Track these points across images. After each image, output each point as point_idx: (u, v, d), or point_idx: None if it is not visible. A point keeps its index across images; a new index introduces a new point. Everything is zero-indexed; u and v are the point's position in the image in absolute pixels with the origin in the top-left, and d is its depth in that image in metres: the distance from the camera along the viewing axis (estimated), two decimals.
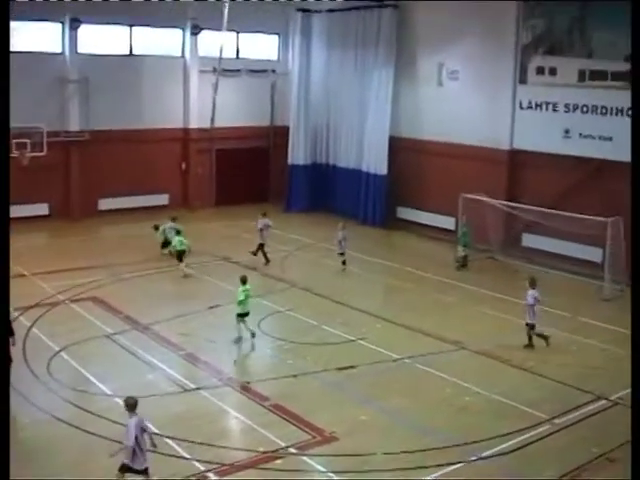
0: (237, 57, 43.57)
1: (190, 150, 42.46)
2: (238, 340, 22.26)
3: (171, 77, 41.64)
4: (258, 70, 43.99)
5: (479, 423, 17.48)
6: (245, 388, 19.13)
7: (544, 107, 32.61)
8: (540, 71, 32.73)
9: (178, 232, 30.24)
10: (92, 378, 19.46)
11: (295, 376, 19.86)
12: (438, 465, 15.45)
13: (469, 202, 32.48)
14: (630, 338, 11.96)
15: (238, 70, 43.18)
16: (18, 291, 26.10)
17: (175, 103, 41.90)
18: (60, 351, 21.11)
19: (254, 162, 44.16)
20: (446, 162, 36.26)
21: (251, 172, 43.93)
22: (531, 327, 22.63)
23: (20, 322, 23.33)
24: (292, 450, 16.01)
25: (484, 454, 15.97)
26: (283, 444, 16.17)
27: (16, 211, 36.84)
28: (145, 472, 13.83)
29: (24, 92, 36.67)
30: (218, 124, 42.28)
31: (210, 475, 15.00)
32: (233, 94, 42.84)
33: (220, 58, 40.72)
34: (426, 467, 15.37)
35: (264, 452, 15.86)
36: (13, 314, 23.70)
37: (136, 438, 13.59)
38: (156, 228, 32.31)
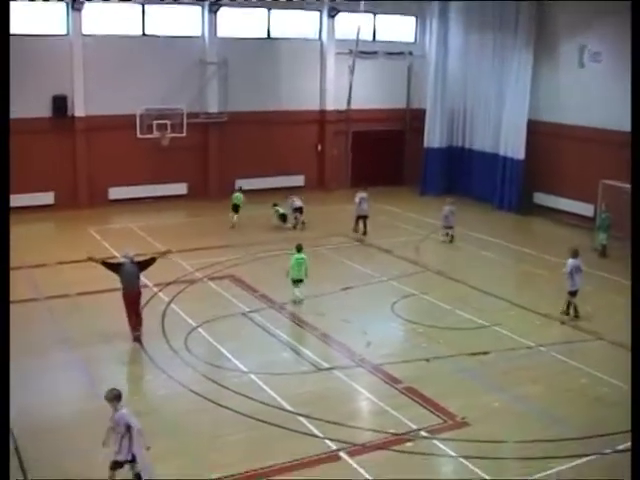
0: (374, 39, 43.55)
1: (326, 132, 42.74)
2: (298, 301, 23.98)
3: (308, 59, 41.97)
4: (395, 52, 43.90)
5: (614, 415, 17.05)
6: (377, 369, 19.18)
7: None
8: None
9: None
10: (228, 354, 19.90)
11: (428, 360, 19.83)
12: (570, 456, 15.19)
13: (609, 189, 31.69)
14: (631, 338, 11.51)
15: (375, 52, 43.17)
16: (158, 268, 26.96)
17: (312, 85, 42.23)
18: (197, 327, 21.68)
19: (390, 144, 44.17)
20: (586, 147, 35.36)
21: (387, 155, 43.96)
22: (571, 294, 23.21)
23: (159, 298, 24.11)
24: (423, 433, 16.01)
25: (619, 447, 15.60)
26: (414, 427, 16.20)
27: (156, 190, 38.29)
28: (133, 460, 13.48)
29: (165, 75, 37.80)
30: (354, 106, 42.43)
31: (342, 454, 15.12)
32: (369, 76, 42.88)
33: (357, 40, 40.77)
34: (559, 457, 15.14)
35: (395, 434, 15.92)
36: (153, 289, 24.52)
37: (127, 427, 13.29)
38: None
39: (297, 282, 24.14)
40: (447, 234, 32.06)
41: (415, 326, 22.42)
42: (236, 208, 33.69)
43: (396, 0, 42.07)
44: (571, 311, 23.44)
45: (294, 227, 33.39)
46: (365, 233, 32.73)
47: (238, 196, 34.09)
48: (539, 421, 16.90)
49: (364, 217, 32.97)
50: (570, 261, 23.30)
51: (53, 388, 18.22)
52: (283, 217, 33.86)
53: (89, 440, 15.04)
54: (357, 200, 33.09)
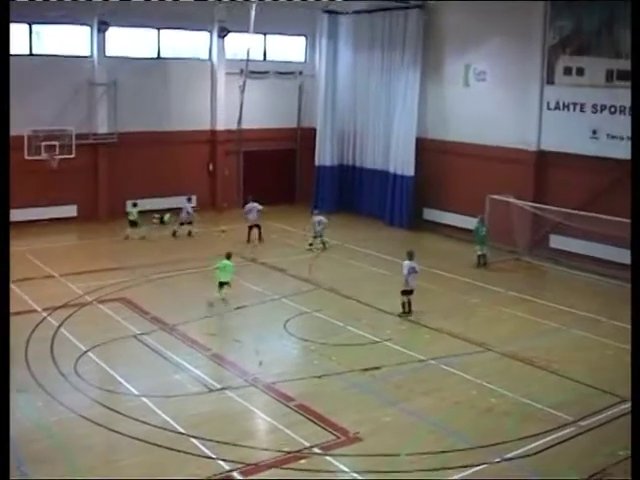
0: (264, 59, 43.69)
1: (217, 152, 42.63)
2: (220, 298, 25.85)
3: (198, 80, 41.81)
4: (285, 72, 44.11)
5: (504, 425, 17.44)
6: (270, 388, 19.16)
7: (571, 108, 32.44)
8: (568, 71, 32.55)
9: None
10: (119, 378, 19.60)
11: (320, 377, 19.90)
12: (462, 466, 15.45)
13: (496, 203, 32.48)
14: (631, 337, 11.90)
15: (265, 72, 43.27)
16: (47, 291, 26.62)
17: (202, 105, 42.09)
18: (88, 351, 21.28)
19: (281, 164, 44.34)
20: (473, 163, 36.19)
21: (278, 174, 44.10)
22: (405, 293, 25.01)
23: (48, 322, 23.63)
24: (316, 450, 16.04)
25: (508, 456, 15.95)
26: (307, 444, 16.22)
27: (45, 213, 37.55)
28: None
29: (53, 95, 37.20)
30: (245, 126, 42.43)
31: (235, 475, 15.06)
32: (260, 96, 42.96)
33: (247, 60, 40.81)
34: (450, 468, 15.37)
35: (288, 452, 15.92)
36: (42, 314, 24.07)
37: None
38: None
39: (224, 285, 25.93)
40: (311, 244, 33.64)
41: (307, 344, 22.50)
42: (134, 224, 34.96)
43: (286, 17, 42.25)
44: (406, 308, 24.99)
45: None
46: (260, 240, 34.46)
47: (132, 212, 35.09)
48: (431, 433, 17.11)
49: (256, 226, 34.69)
50: (406, 263, 25.23)
51: None
52: (134, 223, 35.15)
53: None
54: (245, 210, 35.29)
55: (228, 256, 26.62)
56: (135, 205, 35.63)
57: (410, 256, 25.60)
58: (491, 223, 32.10)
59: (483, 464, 15.64)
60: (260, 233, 34.78)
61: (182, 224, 35.90)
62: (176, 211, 36.92)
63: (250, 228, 34.79)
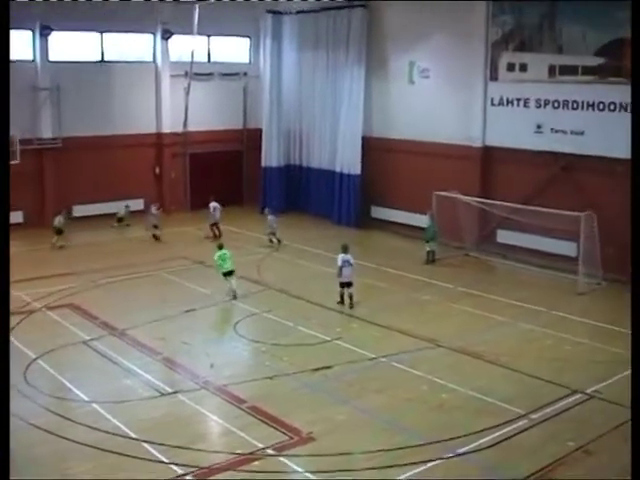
0: (209, 61, 43.58)
1: (164, 155, 42.43)
2: (231, 295, 26.54)
3: (143, 82, 41.58)
4: (230, 73, 44.02)
5: (455, 420, 17.59)
6: (222, 391, 19.12)
7: (515, 103, 32.78)
8: (511, 67, 32.90)
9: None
10: (69, 385, 19.44)
11: (272, 378, 19.90)
12: (414, 463, 15.53)
13: (442, 200, 32.71)
14: (631, 337, 11.99)
15: (210, 74, 43.17)
16: None
17: (147, 108, 41.85)
18: (37, 359, 21.07)
19: (228, 165, 44.22)
20: (419, 160, 36.40)
21: (225, 175, 43.94)
22: (342, 285, 25.94)
23: None
24: (270, 451, 16.05)
25: (460, 451, 16.08)
26: (261, 446, 16.21)
27: None
28: None
29: None
30: (191, 128, 42.31)
31: (188, 478, 15.01)
32: (205, 98, 42.86)
33: (191, 62, 40.73)
34: (403, 465, 15.45)
35: (241, 454, 15.90)
36: None
37: None
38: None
39: (229, 274, 26.60)
40: (271, 240, 34.56)
41: (258, 345, 22.49)
42: (59, 231, 34.40)
43: (229, 18, 42.13)
44: (346, 300, 25.95)
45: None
46: (220, 236, 35.11)
47: (60, 220, 34.74)
48: (384, 431, 17.19)
49: (217, 224, 35.99)
50: (341, 256, 26.00)
51: None
52: (59, 231, 34.62)
53: None
54: (211, 208, 36.33)
55: (220, 247, 27.38)
56: (63, 213, 35.78)
57: (345, 249, 26.31)
58: (438, 220, 32.36)
59: (436, 460, 15.74)
60: (220, 229, 36.16)
61: (156, 227, 36.03)
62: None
63: (212, 225, 36.14)
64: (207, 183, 42.28)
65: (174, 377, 20.30)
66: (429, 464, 15.59)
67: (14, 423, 17.14)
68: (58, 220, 34.51)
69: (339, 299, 26.06)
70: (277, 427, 17.15)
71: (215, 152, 43.21)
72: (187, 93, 41.47)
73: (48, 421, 17.41)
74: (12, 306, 25.08)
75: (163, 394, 18.97)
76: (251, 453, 15.97)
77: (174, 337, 22.94)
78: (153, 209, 36.69)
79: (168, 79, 41.89)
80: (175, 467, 15.39)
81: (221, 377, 19.90)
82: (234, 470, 15.35)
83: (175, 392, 19.03)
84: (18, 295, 26.62)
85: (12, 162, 35.93)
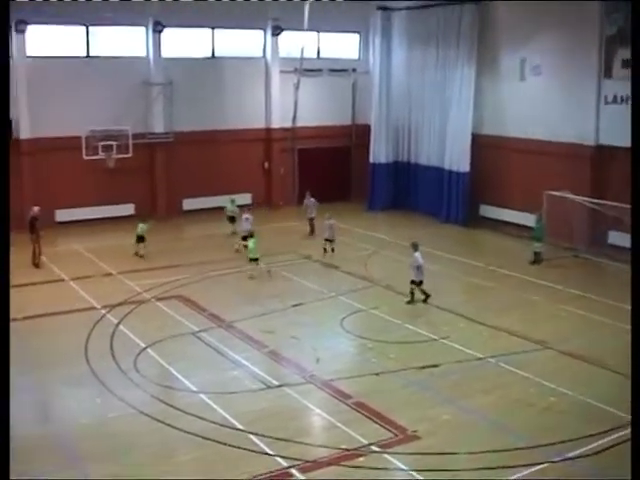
0: (318, 57, 43.78)
1: (272, 150, 42.79)
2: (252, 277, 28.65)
3: (253, 78, 42.01)
4: (339, 69, 44.12)
5: (563, 424, 17.22)
6: (327, 385, 19.15)
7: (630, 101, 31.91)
8: (626, 64, 32.00)
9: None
10: (177, 374, 19.77)
11: (377, 374, 19.85)
12: (522, 465, 15.28)
13: (553, 199, 32.09)
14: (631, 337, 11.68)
15: (319, 70, 43.36)
16: (105, 289, 26.97)
17: (257, 104, 42.27)
18: (146, 348, 21.51)
19: (336, 161, 44.32)
20: (529, 159, 35.82)
21: (333, 171, 44.09)
22: (417, 283, 25.87)
23: (107, 319, 23.89)
24: (374, 448, 15.99)
25: (569, 455, 15.73)
26: (365, 442, 16.18)
27: (103, 212, 38.00)
28: None
29: (110, 96, 37.61)
30: (300, 124, 42.55)
31: (293, 471, 15.08)
32: (314, 94, 43.06)
33: (301, 58, 40.91)
34: (510, 467, 15.21)
35: (346, 449, 15.89)
36: (101, 311, 24.39)
37: None
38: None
39: (255, 260, 28.75)
40: (324, 249, 32.37)
41: (364, 341, 22.44)
42: (141, 239, 31.97)
43: (339, 14, 42.12)
44: (418, 296, 25.91)
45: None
46: (313, 232, 35.47)
47: (142, 227, 32.09)
48: (490, 432, 16.96)
49: (312, 219, 35.75)
50: (417, 254, 26.04)
51: None
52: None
53: (35, 463, 15.24)
54: (306, 204, 36.60)
55: (251, 234, 29.62)
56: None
57: (415, 247, 26.40)
58: (548, 219, 31.77)
59: (543, 463, 15.45)
60: (313, 227, 35.72)
61: (245, 238, 31.50)
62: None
63: (310, 220, 35.82)
64: (315, 178, 42.46)
65: (280, 370, 20.43)
66: (536, 467, 15.30)
67: (125, 410, 17.64)
68: (141, 228, 32.00)
69: (410, 298, 25.98)
70: (382, 424, 17.08)
71: (323, 148, 43.35)
72: (296, 89, 41.68)
73: (156, 410, 17.74)
74: (123, 296, 25.90)
75: (269, 387, 19.10)
76: (356, 449, 15.94)
77: (281, 331, 23.09)
78: (245, 215, 33.45)
79: (278, 75, 42.20)
80: (280, 460, 15.47)
81: (327, 372, 19.93)
82: (339, 465, 15.34)
83: (281, 385, 19.14)
84: (130, 286, 27.31)
85: (125, 155, 37.02)
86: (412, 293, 25.85)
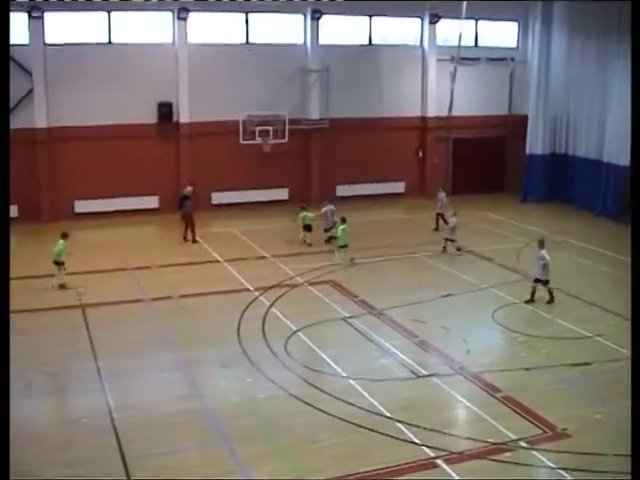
0: (475, 45, 43.35)
1: (427, 138, 42.67)
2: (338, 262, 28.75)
3: (409, 66, 41.97)
4: (497, 58, 43.54)
5: None
6: (477, 378, 19.07)
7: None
8: None
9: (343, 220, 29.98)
10: (327, 359, 20.06)
11: (528, 369, 19.63)
12: None
13: None
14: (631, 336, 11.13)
15: (477, 58, 42.89)
16: (259, 272, 27.58)
17: (413, 92, 42.22)
18: (297, 331, 21.91)
19: (491, 151, 43.78)
20: None
21: (488, 161, 43.60)
22: (543, 282, 24.74)
23: (260, 302, 24.43)
24: (522, 444, 15.86)
25: None
26: (513, 437, 16.06)
27: (257, 195, 38.84)
28: None
29: (267, 82, 38.33)
30: (455, 113, 42.19)
31: (439, 462, 15.11)
32: (471, 83, 42.61)
33: (459, 46, 40.57)
34: None
35: (494, 443, 15.81)
36: (254, 293, 24.97)
37: None
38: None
39: (343, 247, 28.98)
40: (444, 248, 30.80)
41: (516, 335, 22.19)
42: (308, 228, 31.96)
43: (498, 1, 41.53)
44: (541, 295, 24.82)
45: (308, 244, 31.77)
46: (437, 228, 33.95)
47: (307, 216, 32.05)
48: None
49: (442, 215, 34.05)
50: (543, 252, 24.95)
51: (154, 387, 18.76)
52: (308, 227, 32.06)
53: (186, 439, 15.87)
54: (439, 198, 34.68)
55: (344, 220, 29.46)
56: (304, 207, 32.78)
57: (541, 244, 25.36)
58: None
59: None
60: (438, 220, 34.16)
61: (326, 230, 32.11)
62: (385, 198, 37.12)
63: (438, 215, 34.43)
64: (469, 168, 42.25)
65: (429, 360, 20.48)
66: None
67: (274, 391, 18.05)
68: (308, 217, 32.01)
69: (530, 297, 24.93)
70: (531, 420, 16.91)
71: (478, 138, 42.95)
72: (453, 77, 41.36)
73: (305, 392, 18.07)
74: (276, 279, 26.45)
75: (418, 376, 19.16)
76: (503, 443, 15.84)
77: (431, 321, 23.07)
78: (329, 207, 32.69)
79: (434, 63, 42.06)
80: (427, 449, 15.53)
81: (477, 364, 19.83)
82: (485, 459, 15.29)
83: (430, 375, 19.19)
84: (283, 269, 27.82)
85: (281, 141, 37.67)
86: (533, 292, 24.92)
